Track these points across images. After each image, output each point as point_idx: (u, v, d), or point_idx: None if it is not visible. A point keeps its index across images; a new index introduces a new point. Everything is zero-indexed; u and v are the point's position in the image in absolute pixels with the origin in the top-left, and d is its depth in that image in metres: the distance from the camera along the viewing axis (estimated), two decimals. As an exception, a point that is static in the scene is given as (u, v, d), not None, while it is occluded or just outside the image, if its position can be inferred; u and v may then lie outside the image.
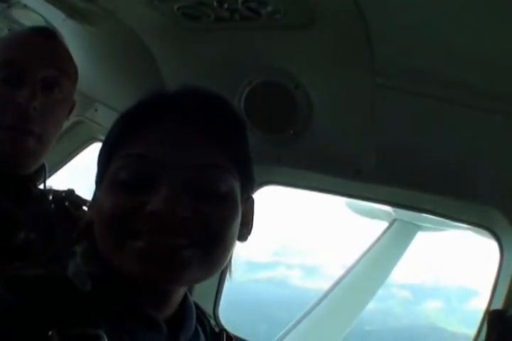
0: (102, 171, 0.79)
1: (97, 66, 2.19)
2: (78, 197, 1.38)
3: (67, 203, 1.34)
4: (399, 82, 1.51)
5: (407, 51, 1.44)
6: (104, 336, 0.66)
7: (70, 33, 2.10)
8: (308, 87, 1.69)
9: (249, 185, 0.83)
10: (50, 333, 0.64)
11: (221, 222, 0.74)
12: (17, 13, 2.19)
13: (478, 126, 1.48)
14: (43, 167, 1.34)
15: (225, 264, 0.78)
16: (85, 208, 1.33)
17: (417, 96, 1.51)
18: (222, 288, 2.06)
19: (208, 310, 1.99)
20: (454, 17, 1.27)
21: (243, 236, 0.83)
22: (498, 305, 1.54)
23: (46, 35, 1.33)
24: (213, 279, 2.02)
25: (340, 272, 6.21)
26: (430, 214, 1.84)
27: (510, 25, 1.23)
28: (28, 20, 2.19)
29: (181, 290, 0.80)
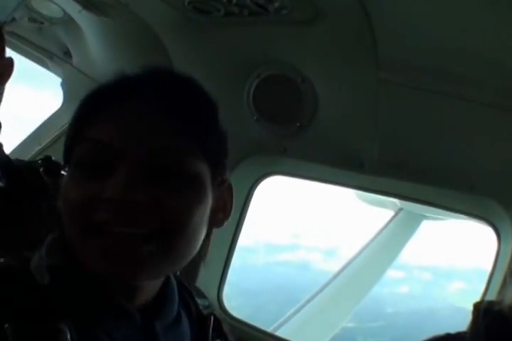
0: (68, 155, 0.74)
1: (111, 56, 2.25)
2: (54, 162, 1.30)
3: (41, 170, 1.27)
4: (402, 76, 1.55)
5: (411, 46, 1.47)
6: (66, 329, 0.63)
7: (86, 24, 2.16)
8: (314, 81, 1.73)
9: (221, 169, 0.76)
10: (5, 326, 0.61)
11: (180, 210, 0.68)
12: (36, 3, 2.24)
13: (478, 120, 1.51)
14: None
15: (193, 254, 0.72)
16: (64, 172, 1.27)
17: (419, 90, 1.54)
18: (226, 273, 2.13)
19: (212, 295, 2.06)
20: (457, 13, 1.30)
21: (219, 221, 0.78)
22: (493, 294, 1.59)
23: None
24: (218, 264, 2.10)
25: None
26: (431, 205, 1.89)
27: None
28: (46, 10, 2.25)
29: (153, 281, 0.75)
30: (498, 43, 1.32)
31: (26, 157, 2.51)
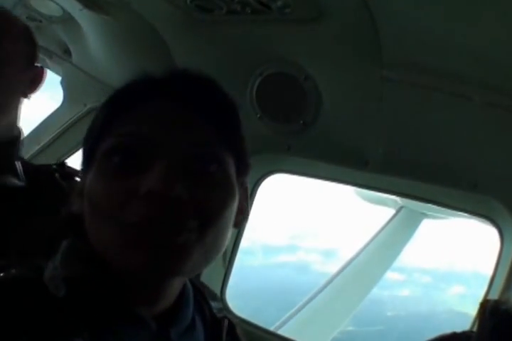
0: (90, 155, 0.72)
1: (113, 54, 2.24)
2: (69, 168, 1.32)
3: (56, 175, 1.29)
4: (405, 75, 1.55)
5: (414, 45, 1.47)
6: None
7: (87, 23, 2.15)
8: (317, 79, 1.73)
9: (244, 170, 0.76)
10: None
11: (216, 208, 0.68)
12: (35, 2, 2.23)
13: (481, 119, 1.51)
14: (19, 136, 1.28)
15: (222, 250, 0.72)
16: (78, 179, 1.24)
17: (423, 88, 1.54)
18: (230, 272, 2.13)
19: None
20: (460, 11, 1.30)
21: (239, 222, 0.77)
22: (496, 293, 1.59)
23: None
24: (221, 263, 2.09)
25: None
26: (434, 204, 1.89)
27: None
28: (46, 9, 2.24)
29: (176, 284, 0.74)
30: (498, 43, 1.32)
31: (26, 156, 2.50)
